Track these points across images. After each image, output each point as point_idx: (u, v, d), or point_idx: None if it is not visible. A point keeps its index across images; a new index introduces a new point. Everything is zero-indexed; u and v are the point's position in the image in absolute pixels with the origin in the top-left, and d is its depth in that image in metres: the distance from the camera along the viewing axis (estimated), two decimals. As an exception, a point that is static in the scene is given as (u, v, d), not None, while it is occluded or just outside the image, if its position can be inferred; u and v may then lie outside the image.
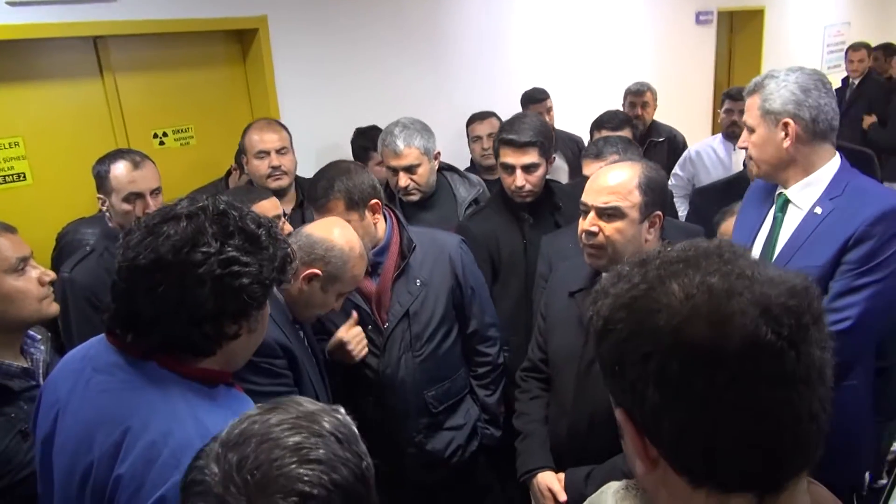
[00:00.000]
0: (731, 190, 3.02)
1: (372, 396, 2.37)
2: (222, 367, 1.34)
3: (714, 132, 6.21)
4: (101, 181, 2.50)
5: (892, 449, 2.18)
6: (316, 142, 3.79)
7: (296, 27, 3.73)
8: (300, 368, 1.91)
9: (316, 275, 1.96)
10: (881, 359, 2.13)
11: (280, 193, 3.01)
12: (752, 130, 2.09)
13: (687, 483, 0.76)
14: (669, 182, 3.43)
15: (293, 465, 0.90)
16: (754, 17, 7.55)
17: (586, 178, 2.26)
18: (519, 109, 4.26)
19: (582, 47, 5.49)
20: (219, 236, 1.25)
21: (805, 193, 2.05)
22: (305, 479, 0.89)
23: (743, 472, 0.73)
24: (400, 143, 2.89)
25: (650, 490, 0.84)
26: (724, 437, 0.71)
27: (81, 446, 1.24)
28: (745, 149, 2.14)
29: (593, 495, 1.23)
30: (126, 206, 2.47)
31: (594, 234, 1.90)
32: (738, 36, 7.75)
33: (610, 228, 1.88)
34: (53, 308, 1.93)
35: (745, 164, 3.12)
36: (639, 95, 4.73)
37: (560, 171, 4.16)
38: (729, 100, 4.23)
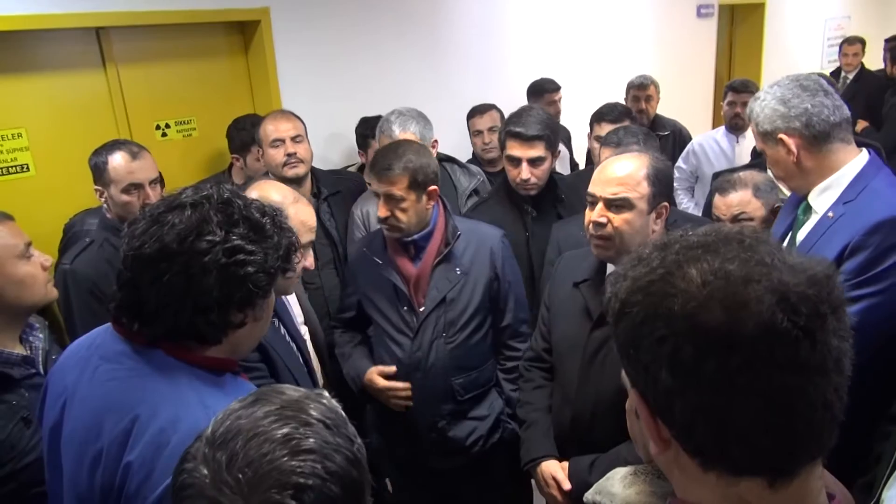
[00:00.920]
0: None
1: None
2: (228, 356, 1.34)
3: (715, 125, 6.20)
4: (99, 173, 2.49)
5: None
6: (318, 133, 3.77)
7: (298, 19, 3.73)
8: (273, 358, 1.87)
9: None
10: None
11: (296, 183, 3.01)
12: (764, 154, 2.08)
13: (698, 465, 0.76)
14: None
15: (285, 458, 0.87)
16: (755, 11, 7.54)
17: (588, 171, 2.27)
18: (520, 102, 4.25)
19: (583, 40, 5.48)
20: (224, 225, 1.25)
21: (823, 197, 2.00)
22: (299, 470, 0.87)
23: (754, 457, 0.73)
24: (396, 128, 2.91)
25: (664, 469, 0.84)
26: (736, 422, 0.71)
27: (90, 434, 1.24)
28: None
29: (600, 481, 1.23)
30: (125, 198, 2.47)
31: (602, 226, 1.90)
32: (739, 29, 7.74)
33: (618, 219, 1.89)
34: (54, 292, 1.99)
35: (752, 155, 3.06)
36: (642, 89, 4.66)
37: (563, 160, 4.17)
38: (732, 92, 4.22)
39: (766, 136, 2.01)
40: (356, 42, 4.00)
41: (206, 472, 0.88)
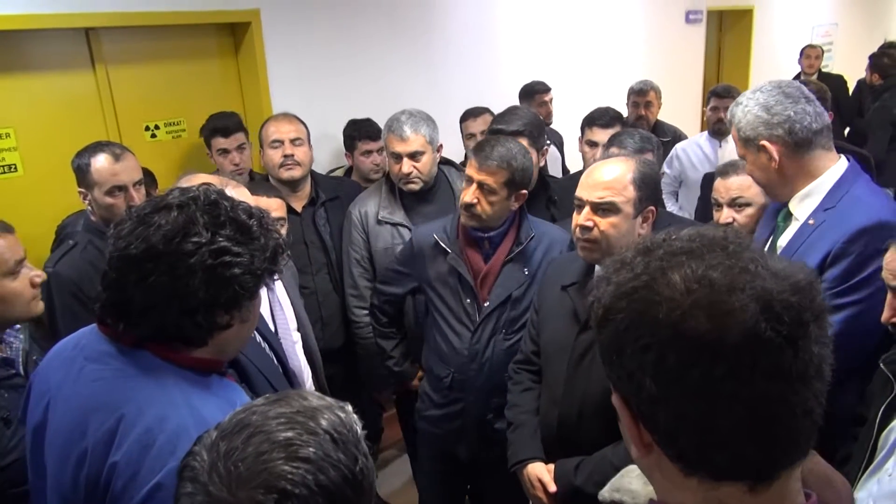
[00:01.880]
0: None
1: (452, 368, 2.43)
2: (214, 357, 1.34)
3: (703, 130, 6.23)
4: (83, 175, 2.46)
5: None
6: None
7: (288, 21, 3.73)
8: (242, 362, 1.80)
9: None
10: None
11: (293, 186, 3.01)
12: (745, 159, 2.08)
13: (680, 469, 0.76)
14: (661, 180, 3.45)
15: (279, 462, 0.88)
16: (743, 17, 7.59)
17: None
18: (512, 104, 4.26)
19: (574, 45, 5.50)
20: (210, 226, 1.24)
21: (804, 204, 2.00)
22: (289, 476, 0.87)
23: (736, 463, 0.73)
24: (407, 129, 2.88)
25: (645, 472, 0.85)
26: (719, 429, 0.72)
27: (74, 433, 1.23)
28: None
29: (615, 478, 1.21)
30: (109, 200, 2.44)
31: (589, 229, 1.91)
32: (728, 35, 7.79)
33: (605, 223, 1.90)
34: (40, 307, 1.97)
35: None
36: (642, 95, 4.61)
37: (555, 163, 4.19)
38: (714, 97, 4.25)
39: (747, 142, 2.01)
40: (347, 44, 4.01)
41: (206, 458, 0.91)
